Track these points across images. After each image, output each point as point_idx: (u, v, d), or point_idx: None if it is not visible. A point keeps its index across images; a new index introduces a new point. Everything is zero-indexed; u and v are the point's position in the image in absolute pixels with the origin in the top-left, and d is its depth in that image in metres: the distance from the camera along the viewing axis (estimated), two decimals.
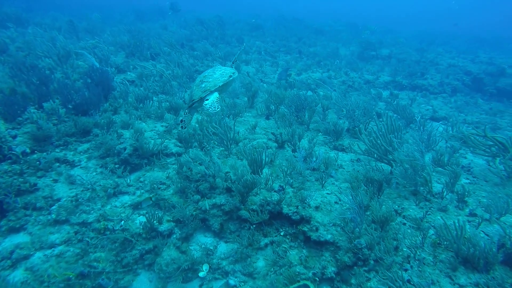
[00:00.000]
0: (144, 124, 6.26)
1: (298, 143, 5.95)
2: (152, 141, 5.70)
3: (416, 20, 47.07)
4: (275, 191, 4.81)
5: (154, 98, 7.54)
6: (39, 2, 23.90)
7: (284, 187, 4.90)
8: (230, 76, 5.48)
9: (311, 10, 41.35)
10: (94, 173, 5.14)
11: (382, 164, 5.74)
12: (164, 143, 5.71)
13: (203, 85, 5.24)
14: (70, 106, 5.92)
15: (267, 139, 6.47)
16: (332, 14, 37.90)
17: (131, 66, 9.67)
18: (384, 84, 12.36)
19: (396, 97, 11.36)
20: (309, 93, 10.15)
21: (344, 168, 5.80)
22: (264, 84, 10.37)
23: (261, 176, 5.06)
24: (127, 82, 6.89)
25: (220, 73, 5.49)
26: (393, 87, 12.40)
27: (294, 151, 5.94)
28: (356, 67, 13.03)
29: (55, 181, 4.85)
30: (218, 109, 4.92)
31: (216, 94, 5.21)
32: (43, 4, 23.28)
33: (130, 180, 5.04)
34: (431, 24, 41.85)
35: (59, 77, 7.18)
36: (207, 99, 5.08)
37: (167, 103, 7.42)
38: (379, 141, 5.53)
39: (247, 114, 7.81)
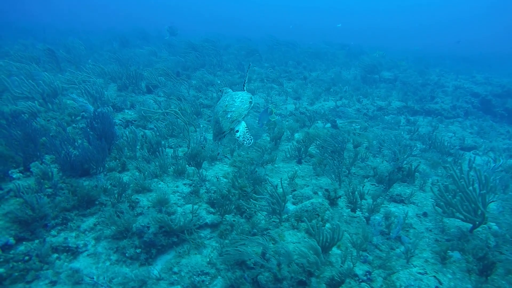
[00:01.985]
0: (162, 183, 4.96)
1: (359, 201, 4.84)
2: (179, 209, 4.43)
3: (391, 37, 48.46)
4: (362, 281, 3.64)
5: (162, 141, 6.27)
6: None
7: (371, 272, 3.74)
8: (250, 102, 5.66)
9: (295, 30, 41.53)
10: (108, 263, 3.78)
11: (455, 219, 4.74)
12: (195, 210, 4.45)
13: (228, 116, 5.31)
14: (66, 166, 4.57)
15: (312, 191, 5.34)
16: (315, 33, 38.17)
17: (128, 103, 8.35)
18: (397, 110, 11.66)
19: (414, 124, 10.65)
20: (328, 125, 9.21)
21: (415, 229, 4.74)
22: (277, 117, 9.32)
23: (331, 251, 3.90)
24: (134, 128, 5.59)
25: (240, 100, 5.58)
26: (407, 112, 11.74)
27: (354, 210, 4.83)
28: (365, 92, 12.31)
29: (53, 284, 3.46)
30: (252, 141, 5.11)
31: (243, 124, 5.36)
32: (3, 29, 21.47)
33: (158, 272, 3.71)
34: (407, 41, 43.13)
35: (53, 129, 5.80)
36: (237, 130, 5.25)
37: (182, 149, 6.19)
38: (459, 196, 4.52)
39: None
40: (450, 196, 4.62)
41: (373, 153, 7.37)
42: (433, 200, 5.58)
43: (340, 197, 5.10)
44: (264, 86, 11.99)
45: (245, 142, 5.19)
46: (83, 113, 6.85)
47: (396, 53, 24.82)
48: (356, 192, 4.82)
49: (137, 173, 5.09)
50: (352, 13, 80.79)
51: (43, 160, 4.80)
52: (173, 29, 16.47)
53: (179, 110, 7.66)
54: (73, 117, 6.70)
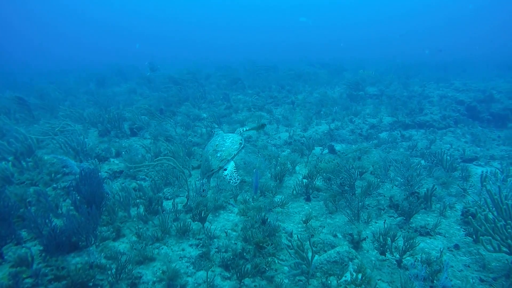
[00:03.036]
0: (165, 248, 4.32)
1: (391, 243, 4.34)
2: (190, 279, 3.80)
3: (370, 48, 50.08)
4: None
5: (159, 194, 5.65)
6: None
7: None
8: (240, 144, 6.01)
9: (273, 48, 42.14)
10: None
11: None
12: (210, 279, 3.82)
13: (218, 155, 5.68)
14: (50, 245, 3.88)
15: (332, 235, 4.83)
16: (287, 50, 38.78)
17: (113, 150, 7.70)
18: (389, 126, 11.50)
19: (410, 139, 10.47)
20: (326, 150, 8.84)
21: (452, 267, 4.28)
22: (273, 148, 8.88)
23: None
24: (126, 185, 4.97)
25: (230, 141, 5.99)
26: (399, 127, 11.59)
27: (383, 253, 4.33)
28: (355, 111, 12.13)
29: None
30: (238, 181, 5.46)
31: (232, 163, 5.68)
32: None
33: None
34: (386, 51, 44.55)
35: (30, 193, 5.08)
36: (225, 169, 5.55)
37: (180, 199, 5.58)
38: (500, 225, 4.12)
39: (278, 196, 6.16)
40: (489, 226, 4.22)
41: (381, 178, 6.99)
42: (458, 227, 5.19)
43: (365, 239, 4.60)
44: (252, 115, 11.60)
45: (231, 181, 5.46)
46: (64, 168, 6.16)
47: (376, 64, 25.33)
48: (389, 237, 4.33)
49: (134, 238, 4.44)
50: (324, 27, 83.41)
51: (21, 238, 4.09)
52: (153, 64, 16.09)
53: (170, 154, 7.10)
54: (53, 175, 6.00)
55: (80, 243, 4.07)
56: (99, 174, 4.89)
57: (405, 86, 15.59)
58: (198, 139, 8.94)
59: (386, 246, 4.28)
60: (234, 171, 5.59)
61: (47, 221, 3.96)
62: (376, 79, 16.68)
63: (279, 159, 7.40)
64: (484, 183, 6.57)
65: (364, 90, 14.73)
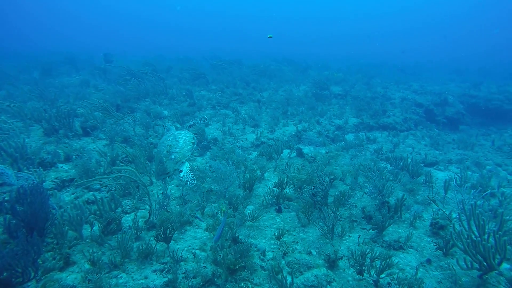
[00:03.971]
0: (125, 276, 3.77)
1: (370, 263, 4.15)
2: None
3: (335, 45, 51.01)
4: None
5: (117, 209, 5.01)
6: None
7: None
8: (193, 143, 5.98)
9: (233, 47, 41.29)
10: None
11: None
12: None
13: (172, 156, 5.53)
14: None
15: (306, 252, 4.58)
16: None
17: (61, 153, 6.82)
18: (354, 128, 11.60)
19: (374, 141, 10.63)
20: (294, 153, 8.62)
21: (425, 283, 4.22)
22: (240, 150, 8.49)
23: None
24: (80, 204, 4.30)
25: (183, 141, 5.87)
26: (363, 128, 11.75)
27: (361, 273, 4.14)
28: (321, 111, 12.08)
29: None
30: (195, 182, 5.37)
31: (187, 164, 5.61)
32: None
33: None
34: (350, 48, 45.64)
35: None
36: (181, 170, 5.46)
37: (141, 213, 5.00)
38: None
39: (249, 207, 5.81)
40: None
41: (351, 185, 6.90)
42: (429, 239, 5.19)
43: (341, 258, 4.40)
44: (217, 114, 11.09)
45: (188, 182, 5.35)
46: None
47: (340, 62, 25.77)
48: (368, 258, 4.14)
49: (87, 266, 3.82)
50: (288, 21, 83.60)
51: None
52: (109, 56, 14.85)
53: (130, 158, 6.43)
54: None
55: (14, 280, 3.38)
56: (44, 190, 4.16)
57: (368, 87, 15.91)
58: (158, 140, 8.26)
59: (364, 267, 4.10)
60: (189, 172, 5.49)
61: None
62: (341, 79, 16.84)
63: (247, 164, 7.02)
64: (449, 191, 6.73)
65: (329, 89, 14.77)
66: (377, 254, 4.14)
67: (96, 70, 14.84)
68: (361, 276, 4.13)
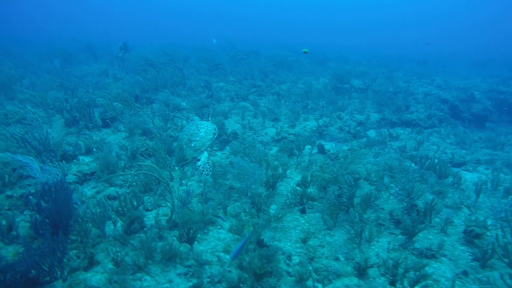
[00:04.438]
0: (149, 279, 3.67)
1: (403, 273, 3.94)
2: None
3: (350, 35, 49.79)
4: None
5: (139, 207, 4.92)
6: None
7: None
8: (214, 134, 6.14)
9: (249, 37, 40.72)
10: None
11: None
12: None
13: (192, 144, 5.76)
14: None
15: (333, 258, 4.40)
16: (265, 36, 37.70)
17: (82, 145, 6.77)
18: (376, 123, 11.23)
19: (397, 138, 10.26)
20: (315, 150, 8.37)
21: None
22: (260, 145, 8.30)
23: None
24: (104, 203, 4.20)
25: (204, 131, 6.07)
26: (385, 124, 11.36)
27: (393, 283, 3.93)
28: (342, 106, 11.73)
29: None
30: (210, 173, 5.58)
31: (206, 154, 5.81)
32: None
33: None
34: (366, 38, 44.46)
35: None
36: (199, 159, 5.67)
37: (162, 211, 4.91)
38: None
39: (272, 206, 5.64)
40: None
41: (376, 185, 6.64)
42: (463, 247, 4.92)
43: (371, 266, 4.20)
44: (236, 106, 10.88)
45: (204, 172, 5.51)
46: (21, 170, 5.23)
47: (359, 55, 25.10)
48: (401, 268, 3.93)
49: (111, 266, 3.74)
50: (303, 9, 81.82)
51: None
52: (127, 45, 14.78)
53: (150, 151, 6.33)
54: (6, 179, 5.07)
55: (42, 278, 3.33)
56: (67, 186, 4.09)
57: (390, 81, 15.38)
58: (178, 133, 8.14)
59: (397, 277, 3.89)
60: (207, 162, 5.65)
61: None
62: (362, 72, 16.34)
63: (269, 161, 6.83)
64: (481, 194, 6.39)
65: (349, 82, 14.33)
66: (410, 263, 3.91)
67: (115, 59, 14.78)
68: (393, 287, 3.92)
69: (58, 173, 5.05)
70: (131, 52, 15.31)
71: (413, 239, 4.91)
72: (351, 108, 11.92)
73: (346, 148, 8.81)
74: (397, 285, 3.92)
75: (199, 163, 5.65)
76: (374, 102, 12.72)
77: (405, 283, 3.85)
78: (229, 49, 19.33)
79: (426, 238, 5.01)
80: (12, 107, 8.45)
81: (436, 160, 7.79)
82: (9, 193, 4.86)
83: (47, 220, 3.80)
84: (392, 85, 14.86)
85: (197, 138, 5.88)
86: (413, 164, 8.22)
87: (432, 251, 4.69)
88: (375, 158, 8.46)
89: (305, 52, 7.99)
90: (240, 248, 3.61)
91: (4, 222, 3.96)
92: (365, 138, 9.79)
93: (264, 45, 25.72)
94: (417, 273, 3.79)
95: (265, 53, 19.39)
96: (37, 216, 3.77)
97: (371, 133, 10.38)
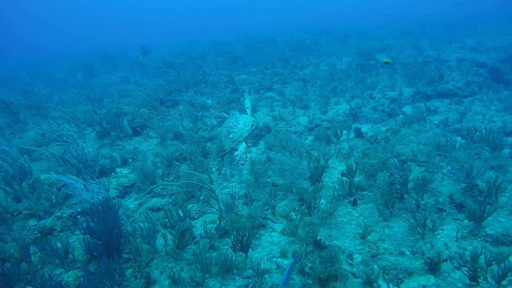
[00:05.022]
0: None
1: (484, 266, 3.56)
2: None
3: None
4: None
5: (186, 218, 4.78)
6: None
7: None
8: (252, 125, 6.33)
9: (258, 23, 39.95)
10: None
11: None
12: None
13: (231, 136, 5.96)
14: None
15: (398, 253, 4.07)
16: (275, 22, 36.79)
17: (118, 157, 6.73)
18: (410, 98, 10.58)
19: (436, 112, 9.61)
20: (352, 134, 7.96)
21: None
22: (294, 136, 7.97)
23: None
24: (152, 218, 4.07)
25: (243, 123, 6.28)
26: (420, 98, 10.69)
27: (474, 279, 3.56)
28: (371, 84, 11.14)
29: None
30: (246, 162, 5.69)
31: (243, 145, 5.94)
32: None
33: None
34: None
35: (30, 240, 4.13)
36: (237, 149, 5.84)
37: (209, 218, 4.74)
38: None
39: (321, 201, 5.34)
40: None
41: (427, 167, 6.19)
42: None
43: (445, 260, 3.84)
44: (262, 98, 10.57)
45: (240, 162, 5.63)
46: (66, 190, 5.22)
47: (380, 28, 23.93)
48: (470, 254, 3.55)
49: (167, 283, 3.62)
50: None
51: None
52: (146, 48, 14.78)
53: (185, 155, 6.18)
54: (54, 200, 5.08)
55: None
56: (113, 204, 3.98)
57: (418, 51, 14.49)
58: (208, 133, 7.96)
59: (478, 271, 3.52)
60: (244, 153, 5.77)
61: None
62: (386, 45, 15.51)
63: (310, 153, 6.51)
64: None
65: (374, 58, 13.60)
66: (490, 254, 3.52)
67: (134, 65, 14.78)
68: (475, 283, 3.55)
69: (100, 188, 4.98)
70: (149, 55, 15.28)
71: (482, 223, 4.48)
72: (382, 85, 11.31)
73: (384, 129, 8.34)
74: (480, 280, 3.55)
75: (236, 152, 5.80)
76: (404, 75, 12.00)
77: (489, 277, 3.48)
78: (244, 40, 18.89)
79: (497, 222, 4.56)
80: (47, 125, 8.56)
81: (484, 131, 7.19)
82: (58, 214, 4.87)
83: (99, 242, 3.71)
84: (421, 55, 14.01)
85: (236, 130, 6.05)
86: (459, 138, 7.67)
87: (510, 236, 4.25)
88: (417, 136, 7.93)
89: (387, 63, 7.44)
90: (289, 272, 3.27)
91: (59, 245, 3.92)
92: (401, 115, 9.23)
93: (278, 30, 25.07)
94: (502, 265, 3.41)
95: (282, 38, 18.86)
96: (89, 238, 3.69)
97: (407, 109, 9.78)
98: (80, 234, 4.20)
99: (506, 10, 27.93)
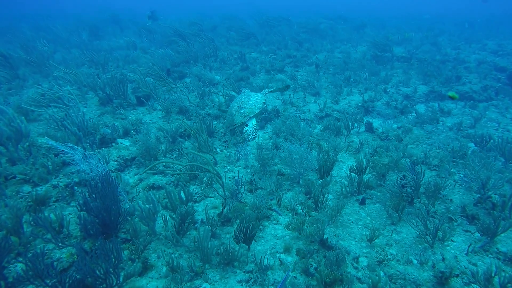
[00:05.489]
0: (208, 286, 3.35)
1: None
2: None
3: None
4: None
5: (188, 203, 4.56)
6: None
7: None
8: (264, 103, 6.39)
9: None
10: None
11: None
12: None
13: (242, 111, 6.06)
14: None
15: (405, 261, 3.91)
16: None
17: (120, 127, 6.44)
18: (424, 97, 10.26)
19: (449, 114, 9.32)
20: (362, 128, 7.69)
21: None
22: (303, 123, 7.68)
23: None
24: (153, 199, 3.85)
25: (254, 100, 6.33)
26: (434, 98, 10.36)
27: None
28: (385, 77, 10.76)
29: None
30: (256, 137, 5.93)
31: (254, 121, 6.07)
32: None
33: None
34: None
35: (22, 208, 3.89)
36: (247, 125, 5.99)
37: (210, 202, 4.54)
38: None
39: (328, 196, 5.14)
40: None
41: (439, 171, 5.99)
42: None
43: (457, 275, 3.68)
44: (272, 79, 10.18)
45: (250, 137, 5.86)
46: (64, 157, 4.97)
47: (398, 19, 23.16)
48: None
49: (165, 270, 3.44)
50: None
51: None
52: (155, 13, 14.15)
53: (192, 132, 5.90)
54: (50, 166, 4.83)
55: (98, 286, 3.06)
56: (113, 180, 3.75)
57: (436, 48, 14.00)
58: (216, 111, 7.65)
59: None
60: (254, 128, 5.96)
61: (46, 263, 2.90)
62: (402, 38, 14.96)
63: (321, 144, 6.26)
64: None
65: (391, 51, 13.12)
66: (506, 276, 3.36)
67: (142, 30, 14.16)
68: None
69: (100, 160, 4.73)
70: (158, 21, 14.66)
71: (494, 239, 4.32)
72: (396, 80, 10.94)
73: (395, 126, 8.07)
74: None
75: (246, 128, 5.97)
76: (420, 72, 11.62)
77: None
78: (257, 16, 18.15)
79: (509, 239, 4.40)
80: (48, 84, 8.20)
81: (500, 140, 6.95)
82: (54, 182, 4.63)
83: (97, 219, 3.50)
84: (439, 53, 13.55)
85: (247, 106, 6.14)
86: (472, 144, 7.43)
87: None
88: (431, 139, 7.70)
89: (453, 97, 7.03)
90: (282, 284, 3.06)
91: (53, 217, 3.70)
92: (414, 113, 8.95)
93: (292, 12, 24.15)
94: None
95: (296, 20, 18.13)
96: (86, 215, 3.47)
97: (420, 108, 9.48)
98: (76, 206, 3.97)
99: None
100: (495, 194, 5.15)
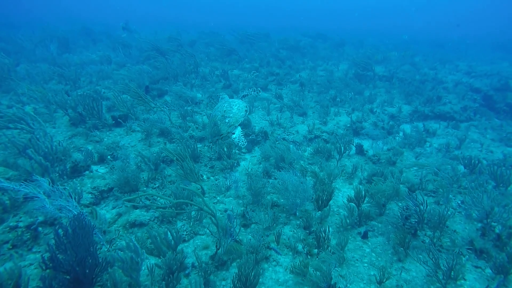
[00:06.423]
0: None
1: None
2: None
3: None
4: None
5: (178, 247, 3.98)
6: None
7: None
8: (246, 111, 6.74)
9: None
10: None
11: None
12: None
13: (227, 120, 6.33)
14: None
15: None
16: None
17: (94, 152, 5.76)
18: (409, 117, 10.27)
19: (434, 134, 9.33)
20: (353, 150, 7.43)
21: None
22: (292, 145, 7.32)
23: None
24: (136, 246, 3.26)
25: (237, 108, 6.59)
26: (417, 117, 10.41)
27: None
28: (370, 96, 10.72)
29: None
30: (246, 144, 6.32)
31: (239, 129, 6.45)
32: None
33: None
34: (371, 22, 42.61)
35: None
36: (233, 133, 6.32)
37: (201, 241, 3.99)
38: None
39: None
40: None
41: (432, 196, 5.78)
42: None
43: None
44: (257, 98, 9.83)
45: (239, 143, 6.15)
46: (23, 187, 4.24)
47: (377, 38, 23.78)
48: None
49: None
50: None
51: None
52: (129, 25, 13.54)
53: (175, 157, 5.34)
54: (7, 203, 4.10)
55: None
56: (88, 223, 3.13)
57: (415, 68, 14.31)
58: (200, 133, 7.13)
59: None
60: (241, 135, 6.26)
61: None
62: (383, 58, 15.21)
63: (316, 172, 5.87)
64: None
65: (373, 70, 13.23)
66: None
67: (117, 44, 13.44)
68: None
69: (70, 193, 4.07)
70: (133, 33, 14.05)
71: (508, 277, 4.06)
72: (380, 100, 10.93)
73: (385, 148, 7.89)
74: None
75: (233, 135, 6.19)
76: (402, 91, 11.74)
77: None
78: (235, 33, 17.91)
79: None
80: (7, 101, 7.36)
81: (486, 162, 6.93)
82: (12, 223, 3.91)
83: (67, 277, 2.86)
84: (419, 73, 13.83)
85: (231, 115, 6.33)
86: (461, 167, 7.35)
87: None
88: (418, 159, 7.57)
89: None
90: None
91: (5, 274, 2.99)
92: (401, 133, 8.87)
93: (274, 27, 24.26)
94: None
95: (275, 36, 18.09)
96: (53, 274, 2.83)
97: (406, 128, 9.44)
98: (38, 252, 3.32)
99: (489, 37, 28.86)
100: (494, 222, 4.97)
